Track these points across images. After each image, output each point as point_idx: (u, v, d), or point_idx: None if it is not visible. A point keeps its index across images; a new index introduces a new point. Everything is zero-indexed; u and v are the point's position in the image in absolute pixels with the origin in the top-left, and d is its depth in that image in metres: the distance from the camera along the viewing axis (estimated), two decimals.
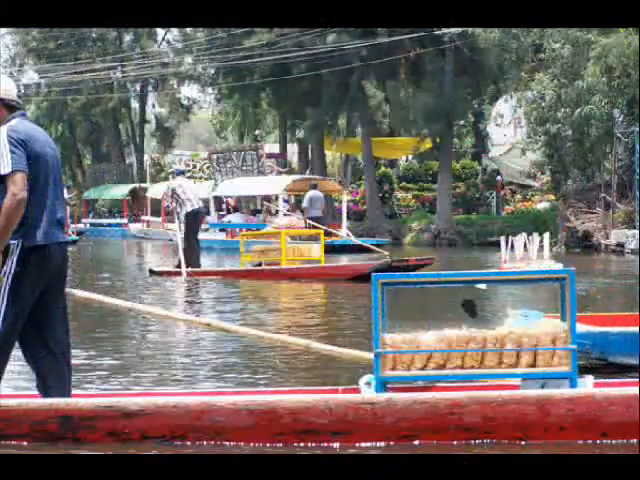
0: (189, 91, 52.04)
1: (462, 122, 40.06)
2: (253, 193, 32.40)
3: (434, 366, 5.07)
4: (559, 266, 13.19)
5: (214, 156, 35.84)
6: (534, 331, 5.11)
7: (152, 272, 17.03)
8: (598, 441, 4.72)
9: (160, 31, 51.14)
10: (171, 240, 31.90)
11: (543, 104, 26.66)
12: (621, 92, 25.29)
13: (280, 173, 37.61)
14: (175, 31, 49.13)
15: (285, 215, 26.95)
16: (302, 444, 4.72)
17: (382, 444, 4.71)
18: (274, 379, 7.14)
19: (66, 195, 23.25)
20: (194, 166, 43.41)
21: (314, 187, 27.11)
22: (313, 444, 4.72)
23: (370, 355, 5.31)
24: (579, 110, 25.23)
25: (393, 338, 5.10)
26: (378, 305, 5.06)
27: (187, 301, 13.34)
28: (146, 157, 53.56)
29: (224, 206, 34.82)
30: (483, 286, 5.76)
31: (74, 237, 31.16)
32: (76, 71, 47.05)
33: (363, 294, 13.18)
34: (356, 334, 9.26)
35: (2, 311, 4.91)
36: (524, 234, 14.80)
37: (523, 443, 4.71)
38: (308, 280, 15.78)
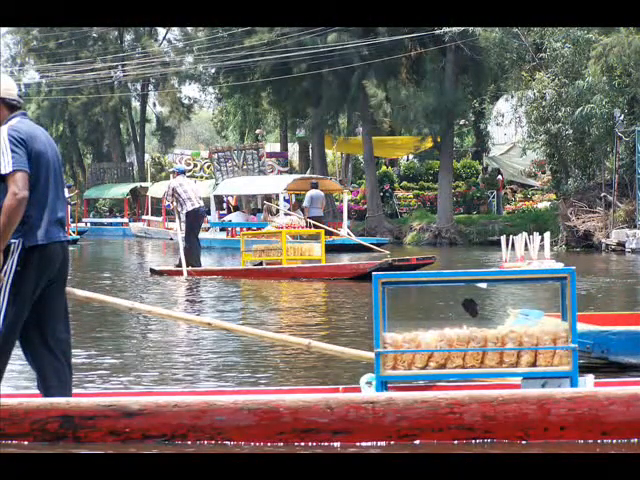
0: (190, 90, 52.19)
1: (463, 121, 40.02)
2: (254, 192, 32.39)
3: (435, 365, 5.07)
4: (560, 265, 13.20)
5: (215, 155, 35.84)
6: (535, 330, 5.11)
7: (153, 271, 17.04)
8: (599, 440, 4.72)
9: (161, 30, 51.21)
10: (172, 239, 31.96)
11: (544, 103, 26.64)
12: (622, 91, 25.27)
13: (281, 172, 37.61)
14: (176, 30, 49.20)
15: (286, 214, 26.95)
16: (303, 443, 4.72)
17: (383, 443, 4.71)
18: (275, 378, 7.14)
19: (67, 194, 23.25)
20: (195, 165, 43.38)
21: (315, 186, 27.10)
22: (314, 443, 4.71)
23: (371, 354, 5.31)
24: (580, 109, 25.21)
25: (394, 337, 5.10)
26: (379, 304, 5.06)
27: (188, 300, 13.33)
28: (147, 156, 53.63)
29: (225, 205, 34.82)
30: (484, 285, 5.76)
31: (75, 236, 31.16)
32: (77, 70, 47.08)
33: (364, 293, 13.19)
34: (357, 333, 9.26)
35: (3, 310, 4.91)
36: (525, 233, 14.81)
37: (524, 442, 4.71)
38: (309, 279, 15.79)
